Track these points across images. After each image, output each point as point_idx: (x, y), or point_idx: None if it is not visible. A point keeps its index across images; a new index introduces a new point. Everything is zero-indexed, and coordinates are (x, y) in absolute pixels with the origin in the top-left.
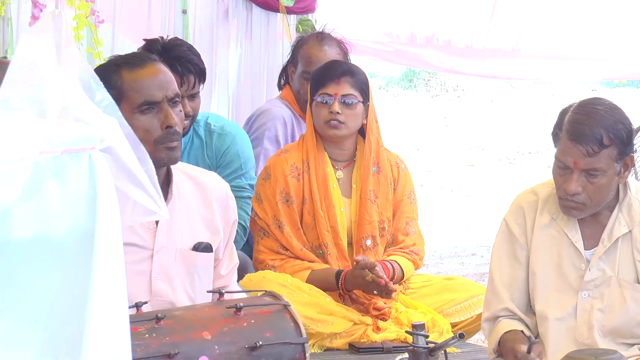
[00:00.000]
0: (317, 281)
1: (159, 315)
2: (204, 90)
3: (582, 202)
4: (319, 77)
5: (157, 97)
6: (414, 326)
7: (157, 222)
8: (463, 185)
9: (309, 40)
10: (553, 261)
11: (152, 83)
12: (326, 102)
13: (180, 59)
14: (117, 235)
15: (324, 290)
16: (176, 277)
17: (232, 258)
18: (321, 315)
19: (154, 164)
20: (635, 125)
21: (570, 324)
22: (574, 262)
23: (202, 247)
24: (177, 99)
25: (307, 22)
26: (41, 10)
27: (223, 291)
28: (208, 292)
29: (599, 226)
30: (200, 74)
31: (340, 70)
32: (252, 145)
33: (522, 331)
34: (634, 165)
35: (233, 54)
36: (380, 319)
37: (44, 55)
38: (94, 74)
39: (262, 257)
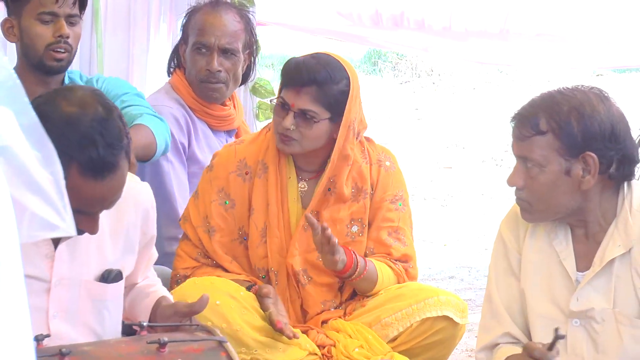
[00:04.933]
0: None
1: (64, 350)
2: (121, 73)
3: (526, 200)
4: (285, 72)
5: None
6: None
7: (55, 247)
8: (439, 192)
9: (201, 8)
10: (543, 280)
11: None
12: (282, 108)
13: None
14: (11, 259)
15: None
16: (79, 315)
17: (148, 264)
18: (272, 340)
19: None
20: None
21: (561, 357)
22: (565, 284)
23: (113, 277)
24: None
25: None
26: None
27: (144, 324)
28: (127, 324)
29: (595, 245)
30: None
31: (305, 77)
32: (151, 162)
33: None
34: (599, 170)
35: (155, 30)
36: (327, 358)
37: None
38: None
39: (176, 263)
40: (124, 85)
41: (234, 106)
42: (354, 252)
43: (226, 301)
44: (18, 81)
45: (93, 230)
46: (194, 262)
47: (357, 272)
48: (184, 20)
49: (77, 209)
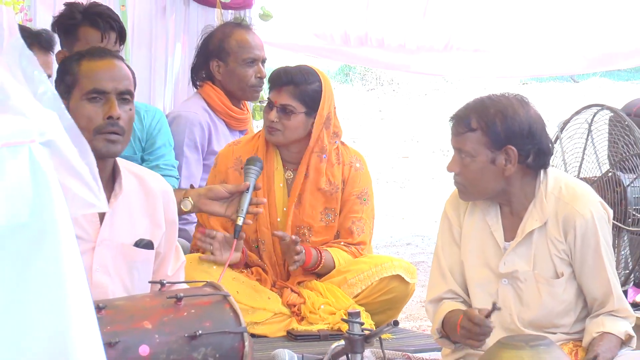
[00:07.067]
0: None
1: (100, 305)
2: (143, 84)
3: (461, 183)
4: (270, 79)
5: (107, 88)
6: (349, 314)
7: (100, 217)
8: (398, 176)
9: (234, 30)
10: (478, 248)
11: (105, 74)
12: (269, 107)
13: (102, 15)
14: (66, 230)
15: None
16: (115, 270)
17: (178, 257)
18: (240, 303)
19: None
20: (560, 119)
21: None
22: (495, 251)
23: (144, 244)
24: (128, 96)
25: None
26: None
27: (164, 282)
28: (149, 282)
29: (518, 220)
30: (121, 32)
31: (284, 79)
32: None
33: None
34: (518, 160)
35: (171, 49)
36: (296, 314)
37: None
38: (38, 65)
39: (193, 243)
40: (166, 133)
41: (247, 110)
42: (313, 249)
43: (200, 276)
44: (56, 92)
45: (117, 112)
46: None
47: (318, 265)
48: (209, 40)
49: (95, 89)
